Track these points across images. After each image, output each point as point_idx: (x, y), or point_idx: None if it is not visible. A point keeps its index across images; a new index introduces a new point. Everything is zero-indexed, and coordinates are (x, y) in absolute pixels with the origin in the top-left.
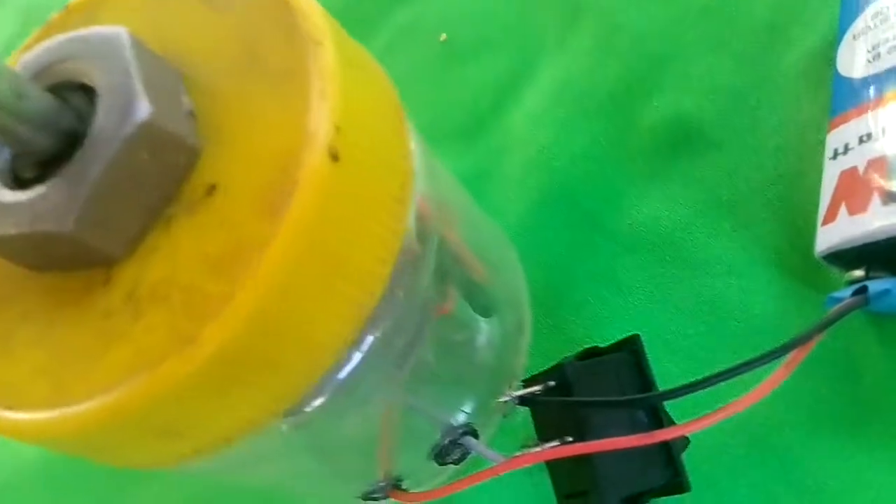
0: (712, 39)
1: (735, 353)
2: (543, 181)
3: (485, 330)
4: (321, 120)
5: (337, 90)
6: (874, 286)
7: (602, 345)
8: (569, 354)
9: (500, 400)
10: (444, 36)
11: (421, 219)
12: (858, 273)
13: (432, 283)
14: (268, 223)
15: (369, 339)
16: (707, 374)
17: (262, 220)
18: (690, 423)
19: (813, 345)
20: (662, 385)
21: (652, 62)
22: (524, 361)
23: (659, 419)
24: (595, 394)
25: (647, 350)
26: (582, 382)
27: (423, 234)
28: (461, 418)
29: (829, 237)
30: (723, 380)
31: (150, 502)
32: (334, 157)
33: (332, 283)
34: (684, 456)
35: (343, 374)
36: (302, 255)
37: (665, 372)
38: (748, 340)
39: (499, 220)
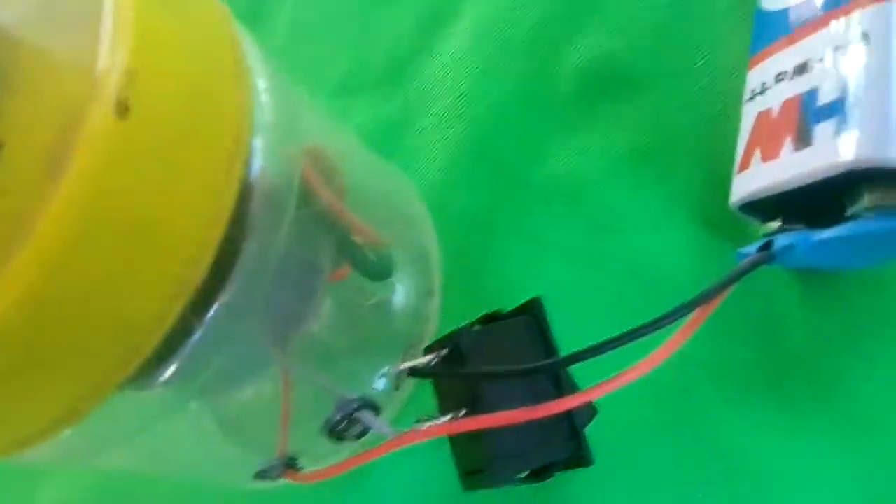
0: None
1: (653, 311)
2: (462, 131)
3: (384, 295)
4: (111, 65)
5: (132, 29)
6: (780, 241)
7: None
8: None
9: (390, 371)
10: None
11: (279, 174)
12: (775, 225)
13: (310, 246)
14: (47, 187)
15: (214, 307)
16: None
17: (42, 183)
18: (586, 391)
19: (716, 304)
20: (574, 347)
21: (575, 0)
22: (433, 326)
23: (563, 387)
24: (493, 362)
25: (564, 309)
26: (477, 351)
27: (281, 191)
28: (364, 389)
29: (742, 187)
30: (622, 343)
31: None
32: (124, 108)
33: (136, 253)
34: (592, 426)
35: (188, 346)
36: (90, 223)
37: (582, 332)
38: (666, 298)
39: (417, 174)
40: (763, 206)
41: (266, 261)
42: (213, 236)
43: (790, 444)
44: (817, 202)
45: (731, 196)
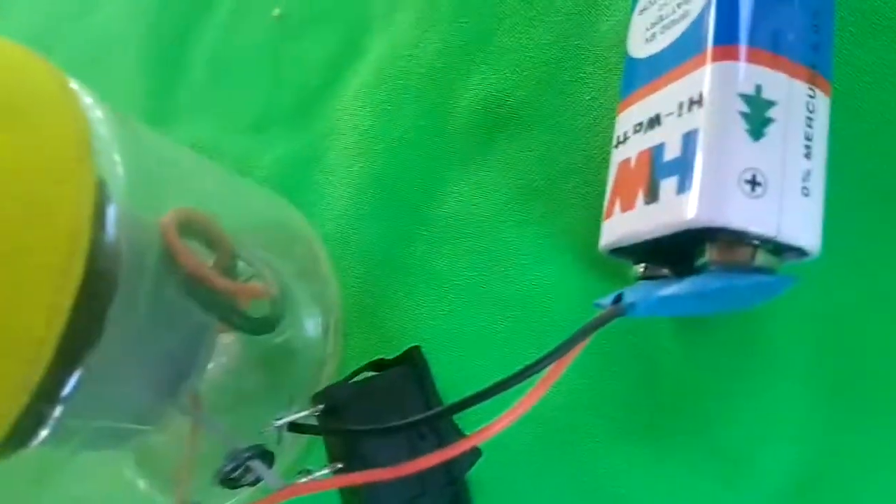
0: (531, 9)
1: (542, 350)
2: (365, 168)
3: (277, 339)
4: None
5: None
6: (627, 296)
7: (419, 343)
8: (383, 356)
9: (268, 427)
10: (277, 11)
11: (135, 244)
12: (640, 269)
13: (185, 307)
14: None
15: (78, 372)
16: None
17: None
18: (453, 447)
19: (571, 358)
20: (468, 387)
21: (471, 36)
22: (332, 369)
23: (446, 434)
24: (369, 415)
25: (458, 348)
26: (351, 406)
27: (138, 260)
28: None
29: (607, 233)
30: (491, 396)
31: None
32: None
33: None
34: (477, 466)
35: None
36: None
37: (477, 370)
38: (554, 337)
39: (325, 211)
40: (631, 250)
41: (129, 327)
42: (55, 331)
43: (665, 482)
44: (677, 249)
45: (600, 241)
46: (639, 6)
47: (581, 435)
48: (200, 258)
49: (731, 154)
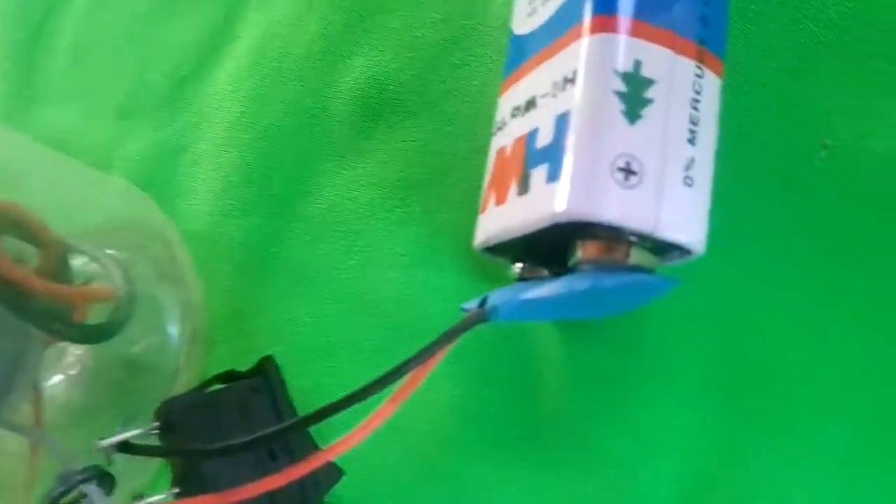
0: None
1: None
2: (235, 159)
3: (124, 349)
4: None
5: None
6: (491, 299)
7: (290, 351)
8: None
9: (96, 447)
10: None
11: None
12: (518, 268)
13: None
14: None
15: None
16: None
17: None
18: (294, 468)
19: (432, 366)
20: (339, 394)
21: (354, 14)
22: (188, 379)
23: (301, 453)
24: (214, 431)
25: (334, 354)
26: (194, 421)
27: None
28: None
29: (480, 230)
30: (346, 407)
31: None
32: None
33: None
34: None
35: None
36: None
37: (351, 380)
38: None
39: (190, 207)
40: (509, 248)
41: None
42: None
43: (545, 496)
44: (555, 246)
45: (474, 238)
46: None
47: (454, 449)
48: (23, 258)
49: (604, 138)
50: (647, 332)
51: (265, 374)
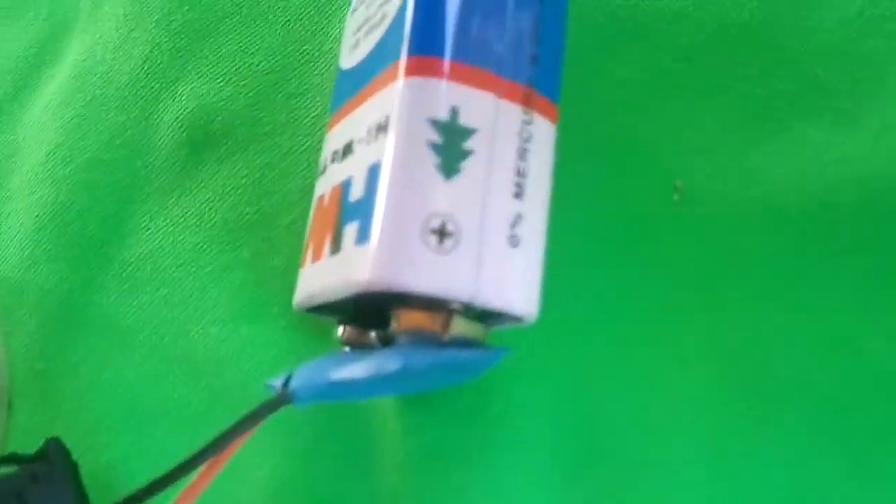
0: (257, 6)
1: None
2: (49, 196)
3: None
4: None
5: None
6: (297, 376)
7: (100, 419)
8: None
9: None
10: None
11: None
12: (341, 331)
13: None
14: None
15: None
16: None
17: None
18: None
19: (227, 457)
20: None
21: (184, 37)
22: None
23: None
24: None
25: (148, 423)
26: None
27: None
28: None
29: (299, 288)
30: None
31: None
32: None
33: None
34: None
35: None
36: None
37: (165, 453)
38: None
39: (1, 248)
40: (333, 308)
41: None
42: None
43: None
44: (380, 309)
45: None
46: (352, 5)
47: None
48: None
49: (415, 197)
50: (492, 400)
51: (50, 460)
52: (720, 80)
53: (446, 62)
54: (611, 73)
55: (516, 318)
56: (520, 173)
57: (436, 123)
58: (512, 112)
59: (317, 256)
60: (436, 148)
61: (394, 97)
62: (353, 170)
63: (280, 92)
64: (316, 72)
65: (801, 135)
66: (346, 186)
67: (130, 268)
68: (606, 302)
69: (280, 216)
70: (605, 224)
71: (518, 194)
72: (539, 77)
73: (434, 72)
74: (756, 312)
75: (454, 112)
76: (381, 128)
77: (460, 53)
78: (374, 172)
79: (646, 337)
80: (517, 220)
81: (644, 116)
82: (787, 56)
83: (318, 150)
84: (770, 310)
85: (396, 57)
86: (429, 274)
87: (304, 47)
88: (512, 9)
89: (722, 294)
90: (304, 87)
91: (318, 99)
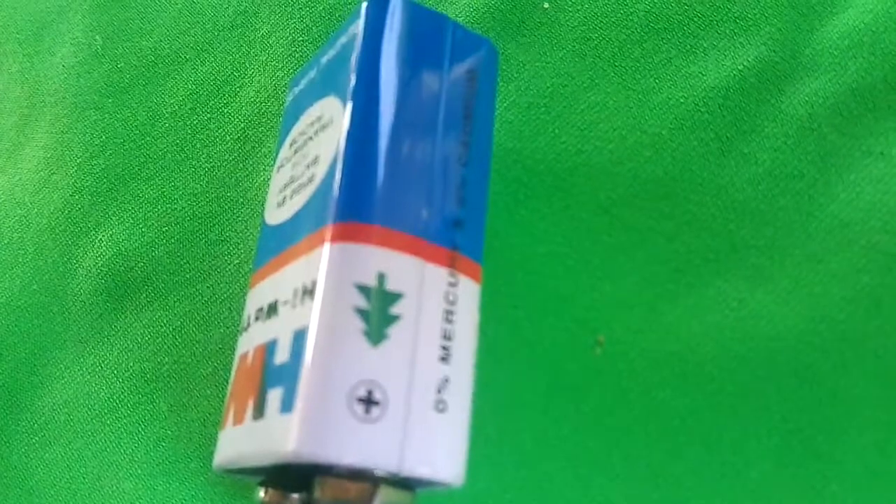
0: (181, 152)
1: None
2: None
3: None
4: None
5: None
6: None
7: None
8: None
9: None
10: None
11: None
12: (262, 493)
13: None
14: None
15: None
16: None
17: None
18: None
19: None
20: None
21: (104, 181)
22: None
23: None
24: None
25: None
26: None
27: None
28: None
29: (220, 449)
30: None
31: None
32: None
33: None
34: None
35: None
36: None
37: None
38: None
39: None
40: (253, 470)
41: None
42: None
43: None
44: (303, 474)
45: (214, 456)
46: (277, 161)
47: None
48: None
49: (341, 364)
50: None
51: None
52: (638, 235)
53: (374, 227)
54: (531, 226)
55: (442, 485)
56: (446, 336)
57: (362, 289)
58: (438, 275)
59: (238, 419)
60: (362, 314)
61: (321, 262)
62: (277, 331)
63: (202, 238)
64: (239, 219)
65: (717, 290)
66: (270, 348)
67: (41, 420)
68: (531, 461)
69: (199, 367)
70: (529, 380)
71: (444, 358)
72: (463, 239)
73: (362, 237)
74: (678, 468)
75: (381, 277)
76: (308, 292)
77: (387, 219)
78: (299, 338)
79: (571, 496)
80: (444, 384)
81: (565, 270)
82: (702, 212)
83: (241, 298)
84: (692, 465)
85: (324, 221)
86: (355, 445)
87: (229, 193)
88: (439, 175)
89: (645, 450)
90: (227, 234)
91: (240, 246)
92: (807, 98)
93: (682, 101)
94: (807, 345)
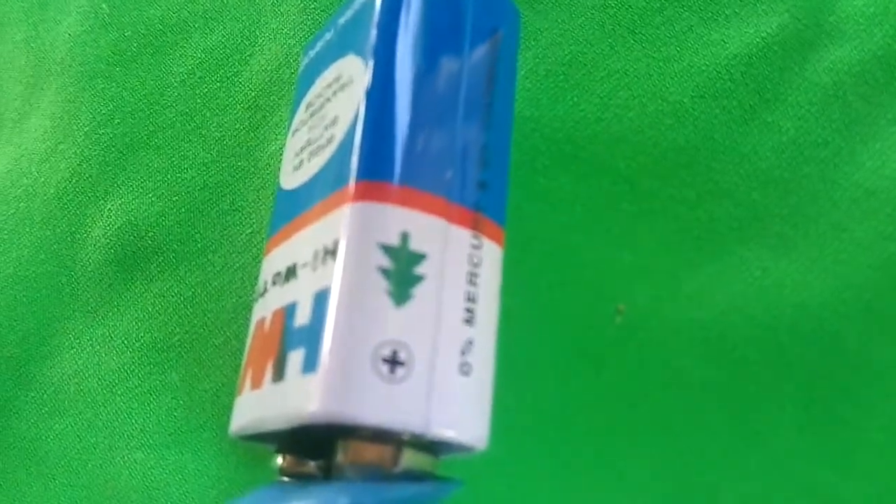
0: (190, 122)
1: None
2: None
3: None
4: None
5: None
6: None
7: None
8: None
9: None
10: None
11: None
12: (280, 460)
13: None
14: None
15: None
16: None
17: None
18: None
19: None
20: None
21: (112, 150)
22: None
23: None
24: None
25: None
26: None
27: None
28: None
29: (236, 416)
30: None
31: None
32: None
33: None
34: None
35: None
36: None
37: None
38: None
39: None
40: (271, 435)
41: None
42: None
43: None
44: (323, 439)
45: (230, 422)
46: (292, 126)
47: None
48: None
49: (366, 324)
50: None
51: None
52: (659, 204)
53: (396, 186)
54: (550, 195)
55: (467, 448)
56: (470, 298)
57: (386, 249)
58: (462, 237)
59: (256, 384)
60: (386, 273)
61: (343, 221)
62: (297, 294)
63: (213, 208)
64: (251, 188)
65: (739, 259)
66: (289, 311)
67: (51, 390)
68: (551, 429)
69: (212, 336)
70: (549, 349)
71: (468, 320)
72: (487, 201)
73: (384, 196)
74: (700, 437)
75: (405, 237)
76: (329, 252)
77: (410, 178)
78: (321, 298)
79: (591, 464)
80: (468, 346)
81: (585, 239)
82: (725, 180)
83: (253, 267)
84: (714, 434)
85: (345, 180)
86: (380, 405)
87: (239, 163)
88: (460, 135)
89: (666, 419)
90: (239, 204)
91: (253, 215)
92: (831, 66)
93: (703, 68)
94: (831, 313)
